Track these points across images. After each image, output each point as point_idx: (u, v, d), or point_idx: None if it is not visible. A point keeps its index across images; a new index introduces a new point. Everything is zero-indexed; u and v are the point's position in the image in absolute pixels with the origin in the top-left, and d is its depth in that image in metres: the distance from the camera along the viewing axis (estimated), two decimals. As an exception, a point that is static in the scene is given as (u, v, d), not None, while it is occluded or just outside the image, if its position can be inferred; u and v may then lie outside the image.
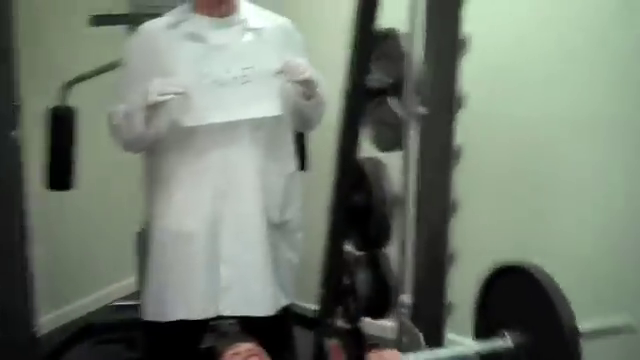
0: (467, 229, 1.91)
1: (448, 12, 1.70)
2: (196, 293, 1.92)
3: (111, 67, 2.79)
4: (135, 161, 2.91)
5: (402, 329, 1.99)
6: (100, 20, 2.83)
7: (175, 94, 1.78)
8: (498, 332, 1.36)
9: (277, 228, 2.01)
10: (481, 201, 2.62)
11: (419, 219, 1.77)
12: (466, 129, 1.82)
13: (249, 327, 1.98)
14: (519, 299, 1.36)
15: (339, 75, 2.12)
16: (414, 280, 1.79)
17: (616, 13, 2.54)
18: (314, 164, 2.83)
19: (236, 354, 1.46)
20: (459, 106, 1.74)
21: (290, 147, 2.10)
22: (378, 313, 2.33)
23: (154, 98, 1.78)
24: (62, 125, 2.64)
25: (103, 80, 2.78)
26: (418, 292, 1.80)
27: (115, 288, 3.90)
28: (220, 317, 1.93)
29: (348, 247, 2.34)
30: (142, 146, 2.00)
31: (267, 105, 1.89)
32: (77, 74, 2.81)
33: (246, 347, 1.48)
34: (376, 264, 2.30)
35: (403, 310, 1.89)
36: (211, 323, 1.92)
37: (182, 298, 1.92)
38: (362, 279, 2.31)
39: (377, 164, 2.24)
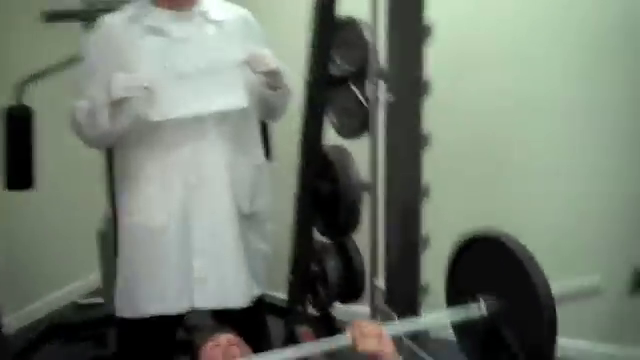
0: (433, 211, 1.94)
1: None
2: (169, 287, 1.91)
3: (66, 64, 2.75)
4: (95, 159, 2.89)
5: (375, 313, 2.03)
6: (52, 16, 2.78)
7: (140, 89, 1.77)
8: (472, 300, 1.39)
9: (247, 219, 2.01)
10: (448, 182, 2.65)
11: (390, 204, 1.80)
12: (429, 112, 1.85)
13: (223, 319, 1.99)
14: (491, 267, 1.39)
15: (299, 65, 2.14)
16: (387, 264, 1.82)
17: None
18: (278, 154, 2.85)
19: (216, 345, 1.46)
20: (425, 92, 1.77)
21: (257, 138, 2.10)
22: (349, 298, 2.37)
23: (119, 94, 1.75)
24: (19, 124, 2.60)
25: (59, 77, 2.74)
26: (391, 276, 1.83)
27: (76, 286, 3.86)
28: (193, 310, 1.93)
29: (315, 234, 2.37)
30: (107, 142, 1.97)
31: (233, 97, 1.88)
32: (32, 72, 2.76)
33: (226, 338, 1.48)
34: (345, 250, 2.33)
35: (377, 294, 1.93)
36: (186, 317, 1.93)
37: (155, 293, 1.91)
38: (331, 266, 2.33)
39: (342, 151, 2.26)
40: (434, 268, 1.74)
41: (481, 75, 2.86)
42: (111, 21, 1.94)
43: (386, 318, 1.84)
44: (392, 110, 1.80)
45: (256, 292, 2.07)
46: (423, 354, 1.66)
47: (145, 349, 2.02)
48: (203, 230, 1.91)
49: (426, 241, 1.84)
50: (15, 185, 2.63)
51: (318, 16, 2.06)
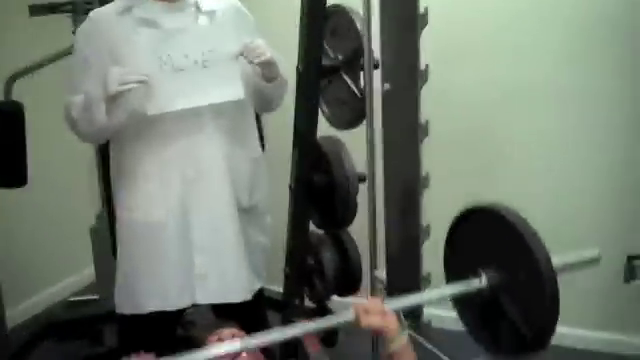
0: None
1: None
2: (170, 284, 1.89)
3: (54, 58, 2.72)
4: (89, 155, 2.86)
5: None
6: (39, 10, 2.75)
7: (136, 83, 1.74)
8: (473, 274, 1.38)
9: (246, 212, 2.00)
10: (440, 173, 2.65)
11: (389, 195, 1.79)
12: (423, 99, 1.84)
13: (224, 313, 1.98)
14: (491, 240, 1.38)
15: (291, 56, 2.12)
16: (387, 255, 1.81)
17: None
18: (271, 146, 2.82)
19: (220, 339, 1.45)
20: (423, 80, 1.77)
21: (254, 131, 2.09)
22: (346, 291, 2.36)
23: (115, 88, 1.72)
24: (9, 120, 2.56)
25: (50, 72, 2.71)
26: (392, 267, 1.82)
27: (70, 282, 3.83)
28: (194, 305, 1.92)
29: (311, 227, 2.36)
30: (103, 137, 1.95)
31: (230, 88, 1.86)
32: (20, 67, 2.72)
33: (229, 331, 1.47)
34: (341, 242, 2.33)
35: (378, 285, 1.92)
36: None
37: (155, 289, 1.90)
38: (328, 258, 2.32)
39: (336, 143, 2.24)
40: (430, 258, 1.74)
41: (472, 65, 2.85)
42: (102, 13, 1.91)
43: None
44: (389, 99, 1.79)
45: (257, 285, 2.06)
46: (426, 344, 1.66)
47: (145, 345, 2.00)
48: (203, 225, 1.90)
49: (427, 232, 1.83)
50: (8, 183, 2.58)
51: (308, 4, 2.04)
